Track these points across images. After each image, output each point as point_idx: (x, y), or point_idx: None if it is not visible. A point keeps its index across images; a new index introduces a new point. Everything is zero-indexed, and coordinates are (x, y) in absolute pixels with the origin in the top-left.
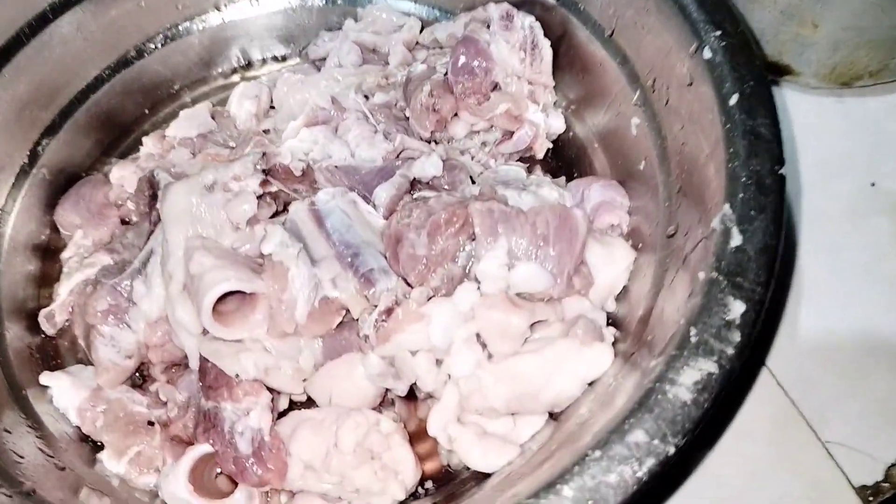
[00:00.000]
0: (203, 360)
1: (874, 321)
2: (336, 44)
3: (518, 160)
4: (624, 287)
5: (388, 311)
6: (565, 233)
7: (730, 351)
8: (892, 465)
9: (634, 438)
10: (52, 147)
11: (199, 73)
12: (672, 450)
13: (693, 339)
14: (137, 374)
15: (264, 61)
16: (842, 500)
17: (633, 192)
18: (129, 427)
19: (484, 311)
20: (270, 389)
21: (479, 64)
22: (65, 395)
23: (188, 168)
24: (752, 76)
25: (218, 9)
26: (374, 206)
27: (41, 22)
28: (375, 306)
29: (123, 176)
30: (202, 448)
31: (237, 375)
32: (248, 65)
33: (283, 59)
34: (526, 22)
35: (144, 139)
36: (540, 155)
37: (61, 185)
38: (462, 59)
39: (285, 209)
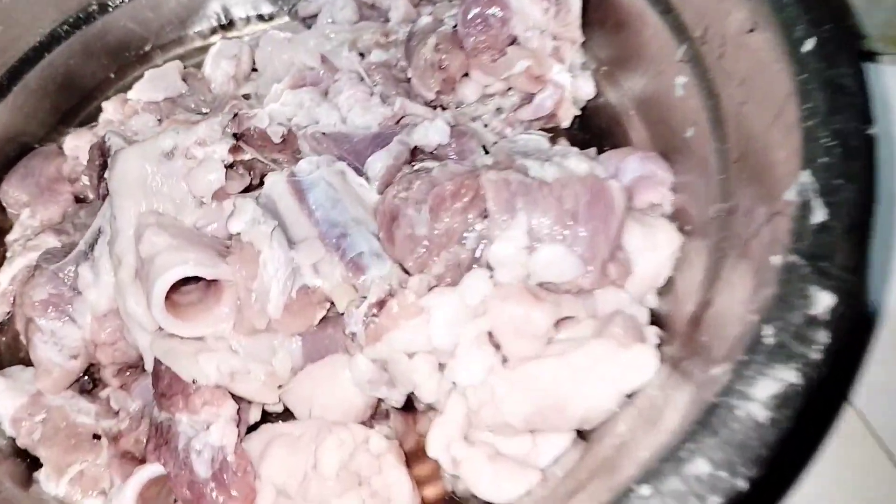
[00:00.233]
0: (158, 361)
1: None
2: None
3: (539, 130)
4: (668, 278)
5: (381, 304)
6: (599, 209)
7: (815, 355)
8: None
9: (695, 469)
10: None
11: (173, 32)
12: (744, 484)
13: (767, 341)
14: (87, 378)
15: (248, 20)
16: None
17: (678, 165)
18: (72, 441)
19: (498, 304)
20: (238, 398)
21: (495, 13)
22: None
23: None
24: (831, 16)
25: None
26: (367, 179)
27: None
28: (365, 297)
29: (78, 146)
30: (153, 468)
31: (195, 381)
32: (230, 24)
33: (270, 17)
34: None
35: (104, 104)
36: (565, 123)
37: (10, 158)
38: (474, 8)
39: (261, 183)
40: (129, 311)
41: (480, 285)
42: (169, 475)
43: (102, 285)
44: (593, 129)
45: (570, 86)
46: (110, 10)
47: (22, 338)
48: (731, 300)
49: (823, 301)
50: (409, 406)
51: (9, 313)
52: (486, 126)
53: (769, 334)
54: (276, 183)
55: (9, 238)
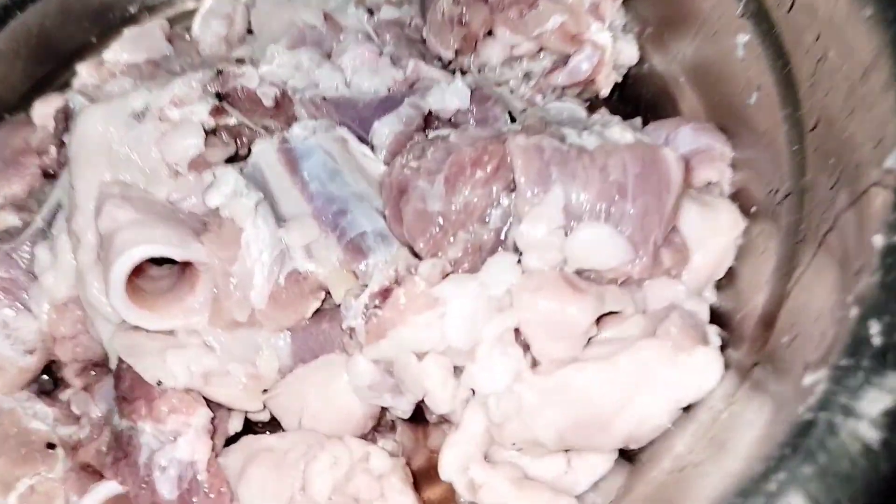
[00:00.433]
0: (121, 359)
1: None
2: None
3: (574, 98)
4: (729, 269)
5: (385, 294)
6: (651, 182)
7: None
8: None
9: None
10: None
11: None
12: None
13: (875, 341)
14: (48, 378)
15: None
16: None
17: (738, 138)
18: (22, 450)
19: (527, 296)
20: (214, 405)
21: None
22: None
23: None
24: None
25: None
26: (372, 148)
27: None
28: (366, 286)
29: (48, 114)
30: (110, 486)
31: (160, 383)
32: None
33: None
34: None
35: (79, 67)
36: (604, 92)
37: None
38: None
39: (249, 153)
40: (91, 299)
41: (506, 272)
42: (127, 495)
43: (62, 268)
44: (636, 101)
45: (611, 48)
46: None
47: None
48: (816, 292)
49: None
50: (419, 417)
51: None
52: (512, 93)
53: (876, 332)
54: (264, 151)
55: None
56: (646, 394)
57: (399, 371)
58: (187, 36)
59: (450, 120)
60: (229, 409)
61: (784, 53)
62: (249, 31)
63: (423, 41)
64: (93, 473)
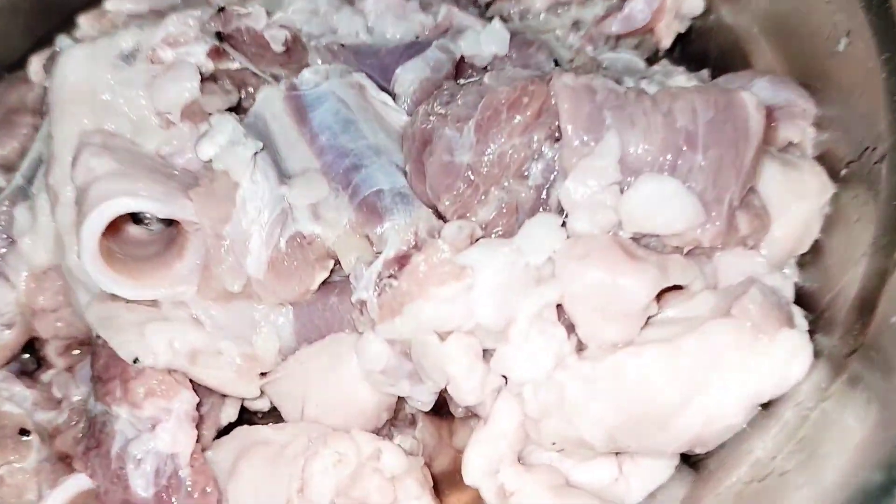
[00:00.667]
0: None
1: None
2: None
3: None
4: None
5: (402, 261)
6: (726, 130)
7: None
8: None
9: None
10: None
11: None
12: None
13: None
14: (30, 357)
15: None
16: None
17: (823, 94)
18: None
19: (573, 264)
20: (204, 390)
21: None
22: None
23: None
24: None
25: None
26: (394, 96)
27: None
28: (380, 253)
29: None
30: (81, 480)
31: (136, 360)
32: None
33: None
34: None
35: (79, 18)
36: (665, 43)
37: None
38: None
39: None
40: (70, 265)
41: (547, 237)
42: (97, 491)
43: (41, 231)
44: (701, 57)
45: None
46: None
47: None
48: None
49: None
50: (443, 411)
51: None
52: (558, 41)
53: None
54: (270, 98)
55: None
56: (716, 386)
57: (418, 354)
58: None
59: (485, 69)
60: (223, 396)
61: None
62: None
63: None
64: (69, 465)
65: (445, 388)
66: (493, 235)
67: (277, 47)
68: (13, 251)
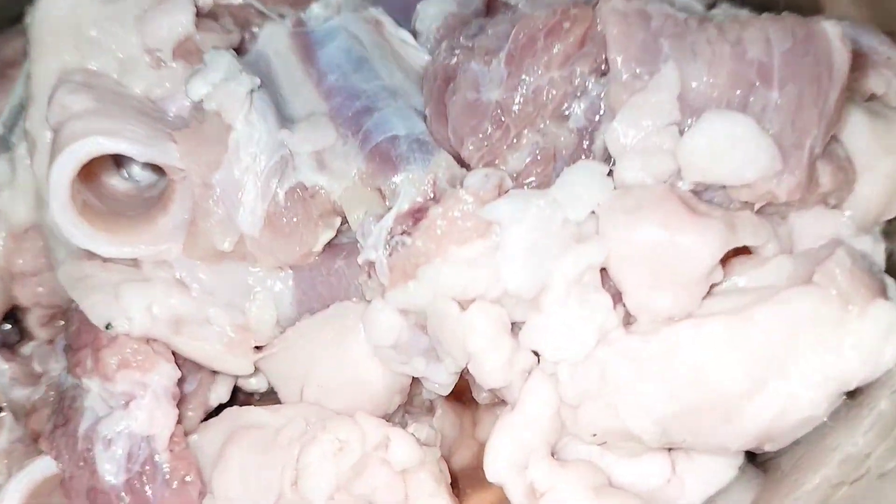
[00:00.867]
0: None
1: None
2: None
3: None
4: None
5: (418, 215)
6: (807, 63)
7: None
8: None
9: None
10: None
11: None
12: None
13: None
14: (12, 327)
15: None
16: None
17: None
18: None
19: (621, 220)
20: (190, 364)
21: None
22: None
23: None
24: None
25: None
26: (415, 34)
27: None
28: (391, 208)
29: None
30: (48, 463)
31: (109, 326)
32: None
33: None
34: None
35: None
36: None
37: None
38: None
39: None
40: (50, 222)
41: (590, 187)
42: (62, 475)
43: (21, 185)
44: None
45: None
46: None
47: None
48: None
49: None
50: (466, 396)
51: None
52: None
53: None
54: (273, 35)
55: None
56: (793, 368)
57: (435, 326)
58: None
59: None
60: (212, 373)
61: None
62: None
63: None
64: None
65: (467, 369)
66: (525, 187)
67: None
68: None
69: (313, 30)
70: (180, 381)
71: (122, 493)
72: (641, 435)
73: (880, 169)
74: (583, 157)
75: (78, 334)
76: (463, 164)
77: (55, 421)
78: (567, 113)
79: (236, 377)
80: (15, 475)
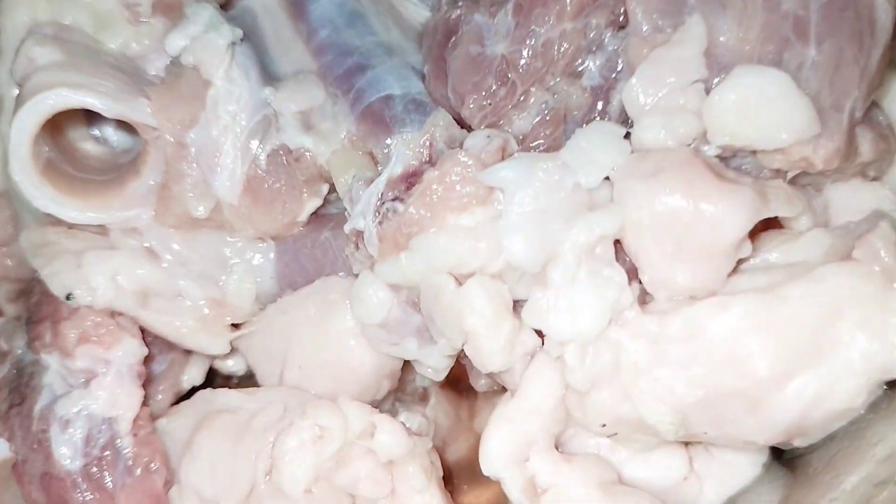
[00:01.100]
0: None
1: None
2: None
3: None
4: None
5: (411, 179)
6: (847, 17)
7: None
8: None
9: None
10: None
11: None
12: None
13: None
14: None
15: None
16: None
17: None
18: None
19: (639, 186)
20: (161, 342)
21: None
22: None
23: None
24: None
25: None
26: None
27: None
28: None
29: None
30: (3, 446)
31: (69, 296)
32: None
33: None
34: None
35: None
36: None
37: None
38: None
39: None
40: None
41: (604, 150)
42: (15, 460)
43: None
44: None
45: None
46: None
47: None
48: None
49: None
50: (462, 383)
51: None
52: None
53: None
54: None
55: None
56: (829, 353)
57: (429, 302)
58: None
59: None
60: (186, 353)
61: None
62: None
63: None
64: None
65: (464, 351)
66: (532, 150)
67: None
68: None
69: None
70: (148, 360)
71: (79, 480)
72: (657, 426)
73: None
74: (597, 117)
75: (38, 306)
76: (463, 125)
77: (11, 399)
78: (580, 69)
79: (212, 358)
80: None
